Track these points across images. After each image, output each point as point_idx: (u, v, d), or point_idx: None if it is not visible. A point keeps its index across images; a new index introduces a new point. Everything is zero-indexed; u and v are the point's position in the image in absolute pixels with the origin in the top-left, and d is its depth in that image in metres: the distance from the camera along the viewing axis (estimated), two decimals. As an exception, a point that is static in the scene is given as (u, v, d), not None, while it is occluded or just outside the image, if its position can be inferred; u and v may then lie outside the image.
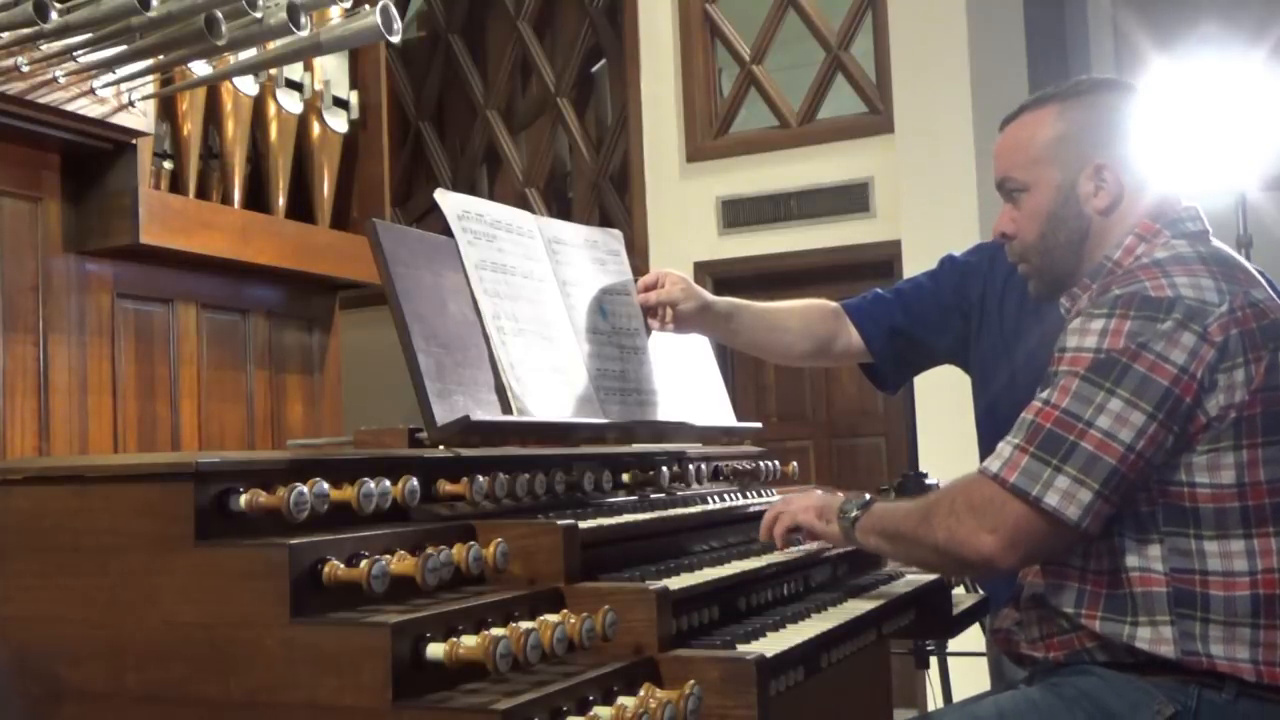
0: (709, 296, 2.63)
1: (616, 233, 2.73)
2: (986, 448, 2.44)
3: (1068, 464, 1.79)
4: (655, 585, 1.78)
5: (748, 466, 2.72)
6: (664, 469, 2.35)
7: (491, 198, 4.65)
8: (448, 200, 2.28)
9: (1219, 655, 1.80)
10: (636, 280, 2.66)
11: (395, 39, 3.02)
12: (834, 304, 2.72)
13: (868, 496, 2.13)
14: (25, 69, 2.92)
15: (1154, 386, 1.78)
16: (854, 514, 2.10)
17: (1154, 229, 1.96)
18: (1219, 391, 1.79)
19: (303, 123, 4.01)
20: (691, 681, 1.63)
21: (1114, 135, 2.00)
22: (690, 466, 2.53)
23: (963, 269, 2.63)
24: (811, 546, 2.34)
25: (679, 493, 2.43)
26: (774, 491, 2.75)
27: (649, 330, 2.60)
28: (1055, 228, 2.02)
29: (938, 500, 1.94)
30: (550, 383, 2.25)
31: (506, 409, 2.13)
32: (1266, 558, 1.81)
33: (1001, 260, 2.47)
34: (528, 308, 2.30)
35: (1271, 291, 1.92)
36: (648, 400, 2.52)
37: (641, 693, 1.60)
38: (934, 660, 4.03)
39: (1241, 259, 1.96)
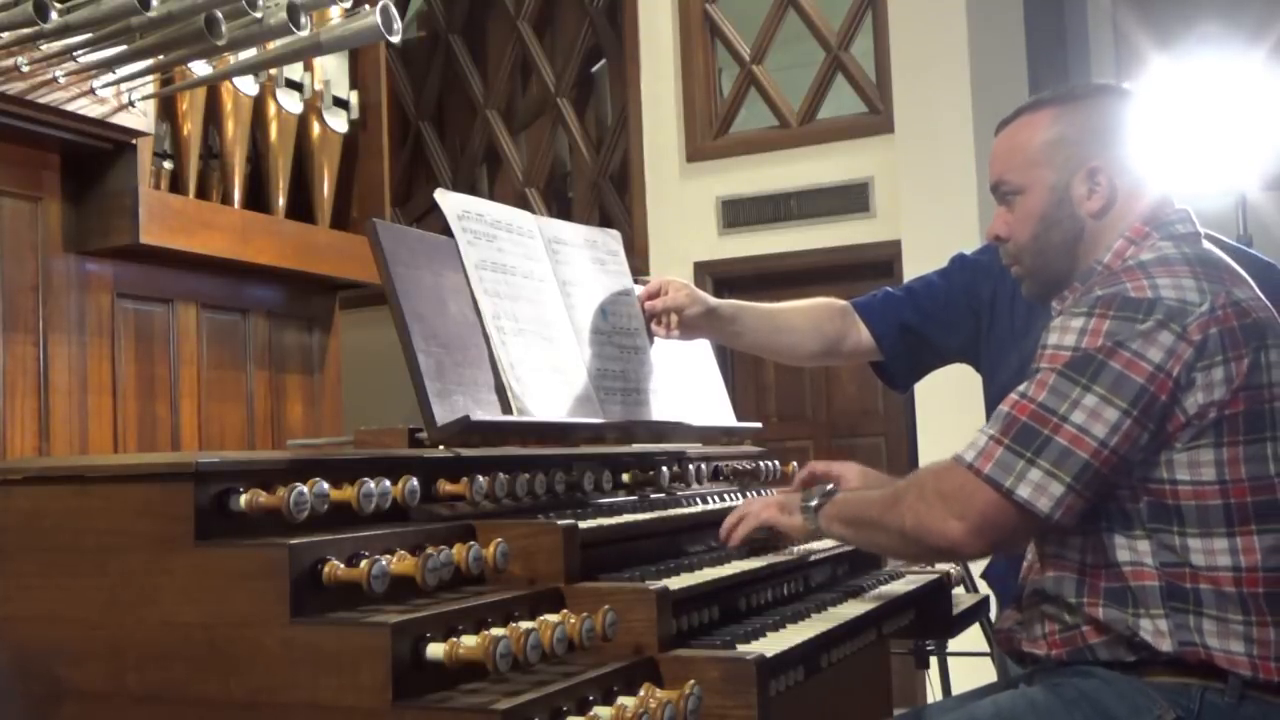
0: (713, 300, 2.63)
1: (615, 233, 2.73)
2: None
3: (1041, 457, 1.81)
4: (655, 585, 1.78)
5: (748, 466, 2.72)
6: (664, 469, 2.35)
7: (491, 198, 4.64)
8: (448, 200, 2.28)
9: (1215, 648, 1.81)
10: (636, 282, 2.66)
11: (395, 39, 3.02)
12: (842, 302, 2.73)
13: (830, 486, 2.16)
14: (25, 69, 2.92)
15: (1129, 384, 1.79)
16: (815, 502, 2.12)
17: (1144, 232, 1.98)
18: (1197, 390, 1.80)
19: (303, 123, 4.01)
20: (691, 681, 1.64)
21: (1108, 139, 2.02)
22: (690, 466, 2.53)
23: (973, 267, 2.63)
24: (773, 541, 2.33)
25: (679, 493, 2.43)
26: (774, 491, 2.75)
27: (653, 338, 2.60)
28: (1048, 230, 2.03)
29: (907, 486, 1.97)
30: (550, 382, 2.25)
31: (506, 409, 2.13)
32: (1249, 555, 1.82)
33: None
34: (528, 308, 2.30)
35: (1258, 290, 1.93)
36: (648, 400, 2.52)
37: (641, 693, 1.60)
38: (934, 660, 4.03)
39: (1228, 260, 1.97)
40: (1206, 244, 1.99)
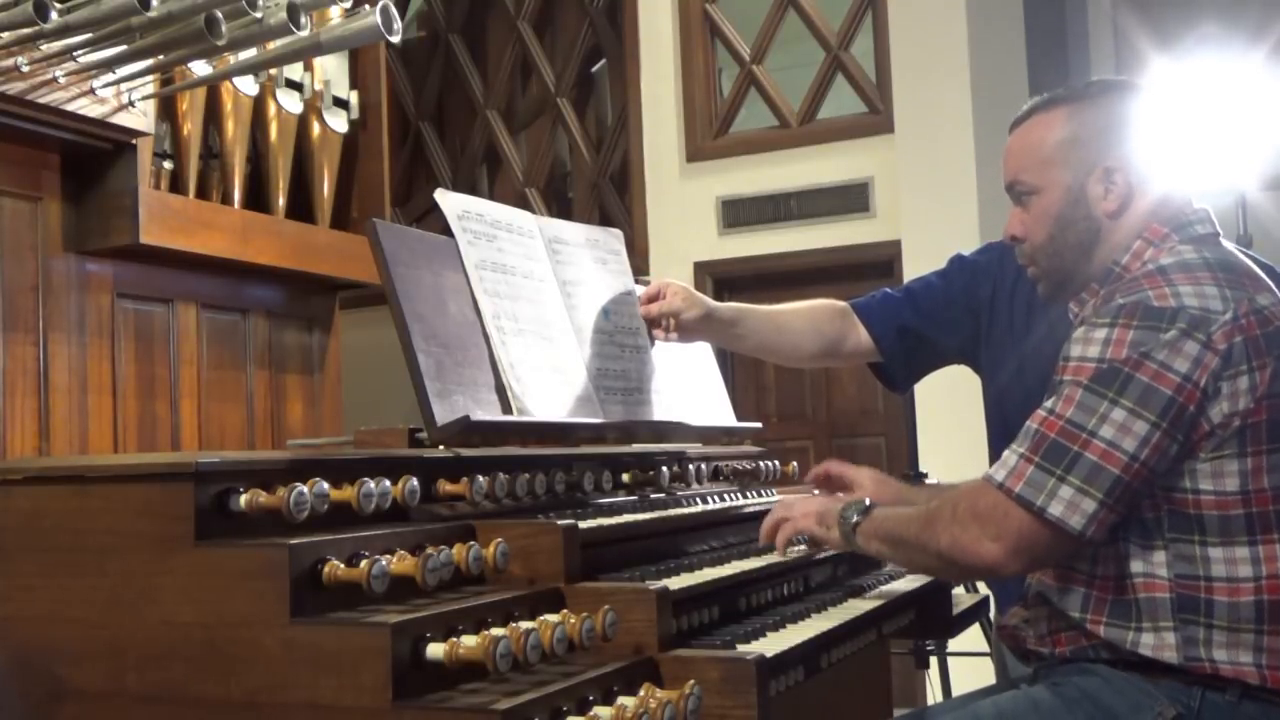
0: (712, 303, 2.63)
1: (617, 232, 2.72)
2: (995, 441, 2.46)
3: (1071, 474, 1.79)
4: (655, 585, 1.77)
5: (748, 466, 2.71)
6: (664, 469, 2.35)
7: (491, 198, 4.64)
8: (448, 200, 2.28)
9: (1222, 660, 1.80)
10: (637, 282, 2.66)
11: (395, 39, 3.02)
12: (841, 303, 2.72)
13: (868, 501, 2.12)
14: (25, 69, 2.92)
15: (1157, 396, 1.77)
16: (854, 519, 2.09)
17: (1162, 233, 1.95)
18: (1223, 399, 1.79)
19: (303, 123, 4.01)
20: (691, 681, 1.63)
21: (1124, 137, 2.00)
22: (690, 466, 2.52)
23: (973, 268, 2.63)
24: (812, 550, 2.34)
25: (679, 493, 2.42)
26: (774, 491, 2.75)
27: (653, 341, 2.60)
28: (1064, 230, 2.01)
29: (941, 506, 1.94)
30: (550, 383, 2.25)
31: (507, 409, 2.12)
32: (1271, 563, 1.81)
33: (1011, 259, 2.47)
34: (528, 308, 2.30)
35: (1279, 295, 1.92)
36: (649, 400, 2.52)
37: (641, 693, 1.60)
38: (934, 660, 4.03)
39: (1249, 262, 1.95)
40: (1226, 244, 1.98)
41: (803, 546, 2.28)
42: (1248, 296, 1.84)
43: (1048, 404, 1.85)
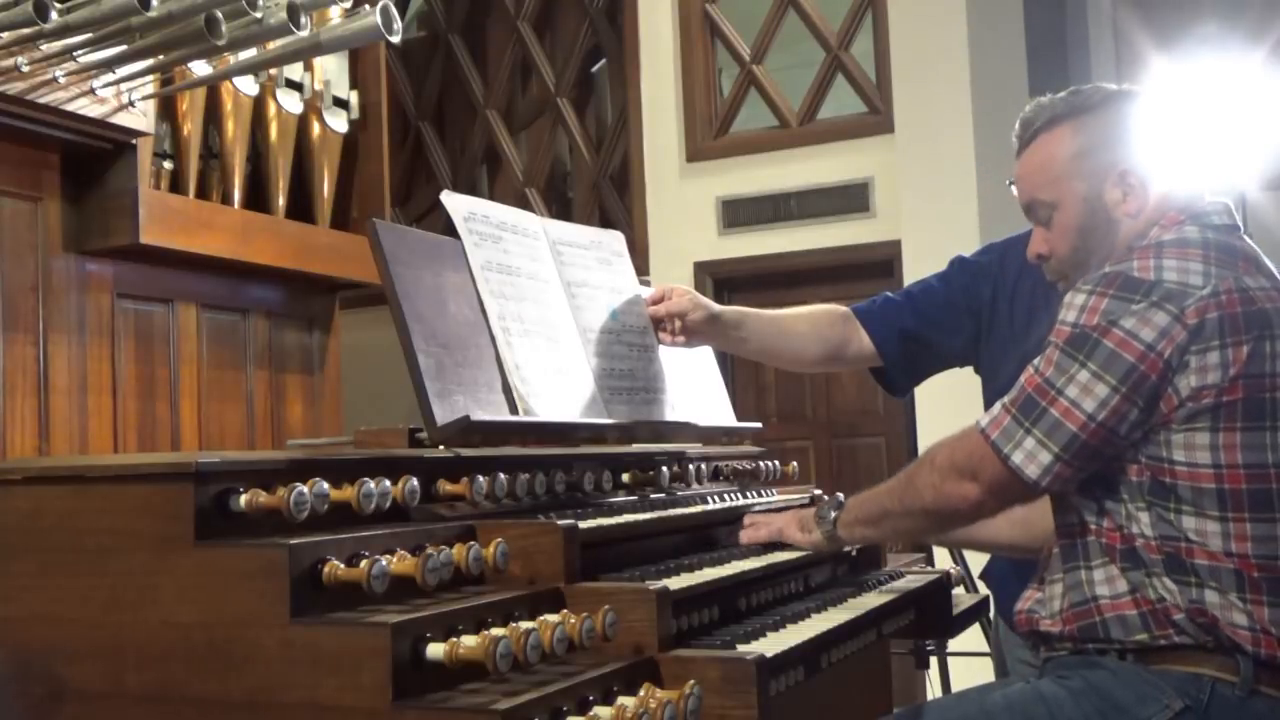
0: (716, 306, 2.63)
1: (619, 234, 2.73)
2: None
3: (1036, 427, 1.89)
4: (655, 585, 1.78)
5: (748, 466, 2.72)
6: (664, 469, 2.35)
7: (491, 198, 4.65)
8: (454, 202, 2.28)
9: (1220, 617, 1.84)
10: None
11: (395, 39, 3.02)
12: (843, 309, 2.73)
13: (841, 497, 2.24)
14: (25, 69, 2.92)
15: (1120, 361, 1.85)
16: (832, 515, 2.21)
17: (1178, 220, 2.00)
18: (1190, 372, 1.84)
19: (303, 123, 4.01)
20: (691, 681, 1.64)
21: (1131, 140, 2.05)
22: (690, 466, 2.52)
23: (973, 269, 2.63)
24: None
25: (679, 493, 2.42)
26: (774, 491, 2.75)
27: (659, 344, 2.60)
28: (1087, 239, 2.06)
29: (919, 465, 2.04)
30: (556, 384, 2.25)
31: (513, 409, 2.12)
32: (1241, 543, 1.85)
33: (1012, 259, 2.48)
34: (533, 309, 2.30)
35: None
36: (655, 399, 2.51)
37: (641, 693, 1.60)
38: (934, 660, 4.03)
39: (1254, 251, 1.98)
40: (1245, 239, 2.01)
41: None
42: (1233, 275, 1.88)
43: (1035, 362, 1.95)
